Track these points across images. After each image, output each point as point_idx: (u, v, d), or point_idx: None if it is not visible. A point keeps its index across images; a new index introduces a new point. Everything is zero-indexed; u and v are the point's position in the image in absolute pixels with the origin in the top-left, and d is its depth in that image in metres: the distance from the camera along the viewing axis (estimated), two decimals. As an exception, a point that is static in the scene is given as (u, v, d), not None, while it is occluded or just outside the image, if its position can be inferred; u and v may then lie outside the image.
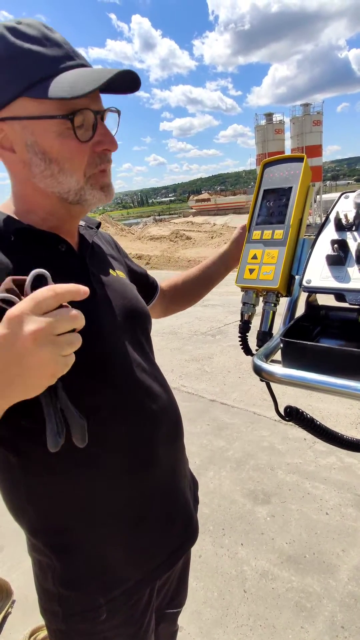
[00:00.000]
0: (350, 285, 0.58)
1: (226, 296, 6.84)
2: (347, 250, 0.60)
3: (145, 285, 0.96)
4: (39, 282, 0.45)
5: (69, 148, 0.60)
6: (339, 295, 0.61)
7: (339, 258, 0.60)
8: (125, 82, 0.62)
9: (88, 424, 0.53)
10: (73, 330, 0.45)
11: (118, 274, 0.78)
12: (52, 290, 0.43)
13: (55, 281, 0.49)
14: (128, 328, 0.72)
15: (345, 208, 0.64)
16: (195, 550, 1.84)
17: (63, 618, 0.69)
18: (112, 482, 0.68)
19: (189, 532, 0.83)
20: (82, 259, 0.70)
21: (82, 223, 0.76)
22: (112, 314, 0.70)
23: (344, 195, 0.67)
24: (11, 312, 0.42)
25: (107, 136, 0.63)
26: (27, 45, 0.56)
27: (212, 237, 18.42)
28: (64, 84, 0.56)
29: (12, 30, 0.56)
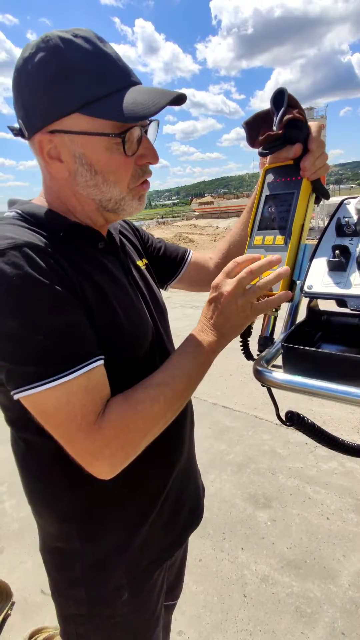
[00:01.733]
0: (352, 291, 0.58)
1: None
2: (348, 256, 0.60)
3: (168, 260, 0.97)
4: None
5: (115, 162, 0.62)
6: (341, 300, 0.61)
7: (341, 264, 0.60)
8: (176, 99, 0.62)
9: None
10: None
11: (139, 264, 0.83)
12: (234, 262, 0.63)
13: (97, 278, 0.65)
14: (158, 317, 0.80)
15: (346, 214, 0.65)
16: (195, 554, 1.84)
17: (87, 602, 0.73)
18: (147, 466, 0.72)
19: (196, 515, 0.91)
20: (117, 255, 0.74)
21: None
22: (147, 306, 0.77)
23: (345, 202, 0.67)
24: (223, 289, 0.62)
25: (151, 150, 0.65)
26: (84, 63, 0.56)
27: (215, 240, 18.44)
28: (122, 106, 0.57)
29: (68, 43, 0.56)
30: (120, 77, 0.59)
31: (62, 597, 0.76)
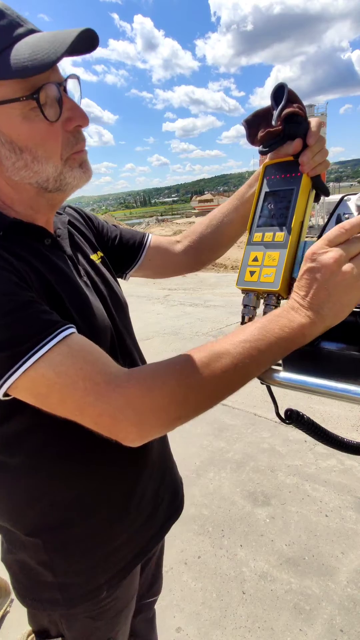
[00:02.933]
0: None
1: (228, 297, 6.84)
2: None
3: (126, 248, 0.89)
4: None
5: (39, 132, 0.53)
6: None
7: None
8: (82, 43, 0.54)
9: None
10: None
11: (94, 258, 0.76)
12: (340, 228, 0.49)
13: (48, 276, 0.57)
14: (117, 314, 0.74)
15: (347, 210, 0.64)
16: (194, 551, 1.84)
17: (65, 602, 0.70)
18: (112, 470, 0.70)
19: (175, 507, 0.88)
20: (66, 252, 0.68)
21: None
22: (104, 303, 0.71)
23: (345, 198, 0.67)
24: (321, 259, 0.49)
25: (77, 110, 0.57)
26: None
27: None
28: (19, 58, 0.48)
29: None
30: (12, 27, 0.51)
31: (35, 601, 0.71)
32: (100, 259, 0.78)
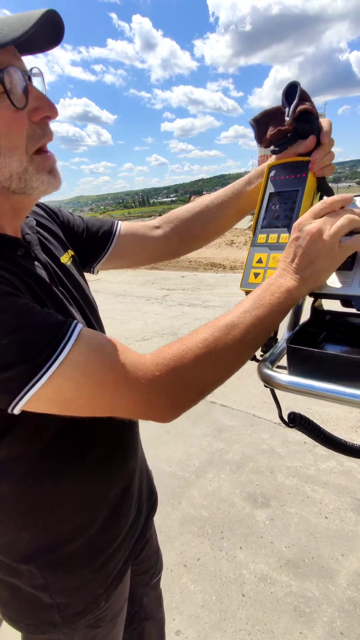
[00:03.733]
0: (358, 291, 0.57)
1: (227, 297, 6.83)
2: (354, 255, 0.59)
3: (95, 238, 0.84)
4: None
5: (2, 119, 0.48)
6: (346, 300, 0.60)
7: (346, 263, 0.59)
8: (46, 35, 0.50)
9: (80, 423, 0.57)
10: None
11: (64, 260, 0.72)
12: (323, 202, 0.56)
13: (32, 285, 0.55)
14: (92, 316, 0.73)
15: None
16: (193, 553, 1.83)
17: (64, 622, 0.68)
18: (102, 482, 0.70)
19: (152, 502, 0.91)
20: (40, 260, 0.64)
21: None
22: (79, 308, 0.69)
23: (354, 197, 0.66)
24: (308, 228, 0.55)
25: (44, 100, 0.52)
26: None
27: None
28: None
29: None
30: None
31: (30, 626, 0.69)
32: (71, 258, 0.74)
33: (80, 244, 0.81)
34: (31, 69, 0.53)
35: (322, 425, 0.63)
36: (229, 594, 1.64)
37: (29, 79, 0.52)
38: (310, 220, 0.56)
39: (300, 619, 1.51)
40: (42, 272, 0.62)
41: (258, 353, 0.68)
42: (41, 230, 0.70)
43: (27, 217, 0.67)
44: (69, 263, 0.72)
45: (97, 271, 0.88)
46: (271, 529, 1.94)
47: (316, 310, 0.70)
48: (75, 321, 0.51)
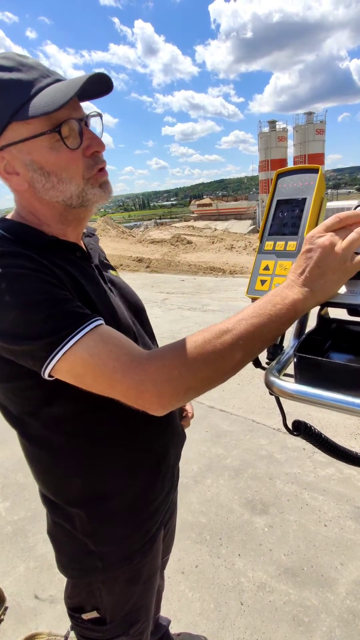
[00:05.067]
0: (366, 300, 0.57)
1: (226, 302, 6.84)
2: (362, 264, 0.59)
3: None
4: None
5: (63, 158, 0.65)
6: (353, 309, 0.60)
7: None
8: (99, 85, 0.67)
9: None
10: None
11: (114, 274, 0.88)
12: (336, 217, 0.57)
13: (88, 286, 0.70)
14: (137, 320, 0.85)
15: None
16: (191, 560, 1.82)
17: (104, 569, 0.80)
18: (146, 443, 0.81)
19: (176, 476, 1.00)
20: (93, 262, 0.79)
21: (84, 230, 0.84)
22: (126, 309, 0.81)
23: (358, 207, 0.66)
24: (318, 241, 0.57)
25: (94, 139, 0.69)
26: (6, 76, 0.62)
27: (212, 242, 18.44)
28: (42, 101, 0.61)
29: None
30: (42, 77, 0.64)
31: (76, 570, 0.82)
32: (117, 277, 0.89)
33: None
34: (89, 114, 0.69)
35: (321, 432, 0.62)
36: (227, 602, 1.62)
37: (86, 124, 0.69)
38: (323, 232, 0.57)
39: (298, 628, 1.49)
40: (94, 272, 0.77)
41: (264, 361, 0.68)
42: (96, 250, 0.86)
43: (93, 235, 0.87)
44: (117, 275, 0.89)
45: None
46: (270, 536, 1.93)
47: (322, 319, 0.70)
48: (97, 317, 0.62)
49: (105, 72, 0.65)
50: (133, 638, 0.89)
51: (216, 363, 0.58)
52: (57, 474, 0.77)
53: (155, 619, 1.32)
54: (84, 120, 0.68)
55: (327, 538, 1.89)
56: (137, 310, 0.88)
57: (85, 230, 0.83)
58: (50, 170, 0.66)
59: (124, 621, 0.86)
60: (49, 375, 0.60)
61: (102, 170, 0.70)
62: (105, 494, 0.78)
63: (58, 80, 0.65)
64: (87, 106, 0.71)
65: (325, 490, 2.20)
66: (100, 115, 0.71)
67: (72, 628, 0.88)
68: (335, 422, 2.89)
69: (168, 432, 0.88)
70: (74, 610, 0.85)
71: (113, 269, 0.90)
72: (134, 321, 0.83)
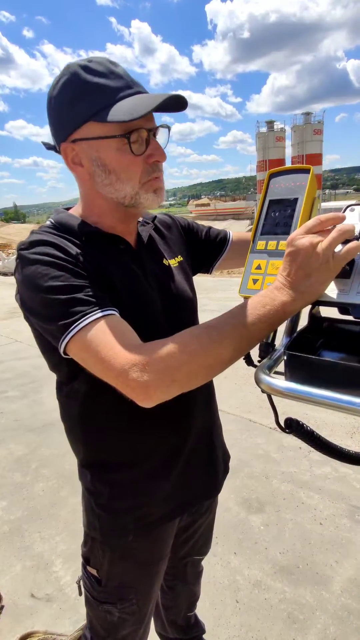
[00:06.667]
0: (356, 299, 0.58)
1: (223, 302, 6.85)
2: (352, 263, 0.60)
3: (213, 242, 1.07)
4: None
5: (125, 161, 0.71)
6: (343, 308, 0.61)
7: (345, 271, 0.59)
8: (175, 102, 0.71)
9: None
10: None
11: (170, 262, 0.90)
12: (317, 219, 0.59)
13: (117, 274, 0.76)
14: (177, 310, 0.87)
15: (350, 221, 0.64)
16: (188, 558, 1.81)
17: (99, 530, 0.87)
18: (159, 429, 0.83)
19: (209, 486, 0.99)
20: (138, 255, 0.83)
21: (140, 219, 0.88)
22: (163, 299, 0.84)
23: (349, 208, 0.67)
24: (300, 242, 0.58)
25: (158, 150, 0.74)
26: (95, 80, 0.68)
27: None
28: (122, 109, 0.67)
29: (85, 68, 0.69)
30: (126, 87, 0.70)
31: (85, 520, 0.90)
32: (178, 263, 0.93)
33: (200, 245, 1.04)
34: (159, 125, 0.75)
35: (317, 431, 0.63)
36: (223, 600, 1.63)
37: (154, 134, 0.74)
38: (303, 234, 0.58)
39: (293, 626, 1.50)
40: (132, 262, 0.81)
41: (256, 359, 0.69)
42: (156, 236, 0.92)
43: (148, 223, 0.90)
44: (174, 265, 0.91)
45: (214, 270, 1.09)
46: (266, 534, 1.94)
47: (314, 317, 0.71)
48: (111, 309, 0.67)
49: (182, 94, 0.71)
50: (122, 613, 0.91)
51: (202, 358, 0.60)
52: (72, 437, 0.88)
53: (194, 617, 1.37)
54: (153, 131, 0.73)
55: (323, 536, 1.90)
56: (181, 299, 0.89)
57: (141, 219, 0.88)
58: (111, 168, 0.72)
59: (114, 592, 0.90)
60: (65, 354, 0.67)
61: (157, 178, 0.75)
62: (107, 465, 0.85)
63: (139, 92, 0.71)
64: (159, 116, 0.78)
65: (321, 489, 2.21)
66: (168, 127, 0.76)
67: (81, 577, 0.96)
68: (331, 421, 2.90)
69: (183, 427, 0.88)
70: (85, 560, 0.92)
71: (173, 255, 0.93)
72: (172, 309, 0.85)
